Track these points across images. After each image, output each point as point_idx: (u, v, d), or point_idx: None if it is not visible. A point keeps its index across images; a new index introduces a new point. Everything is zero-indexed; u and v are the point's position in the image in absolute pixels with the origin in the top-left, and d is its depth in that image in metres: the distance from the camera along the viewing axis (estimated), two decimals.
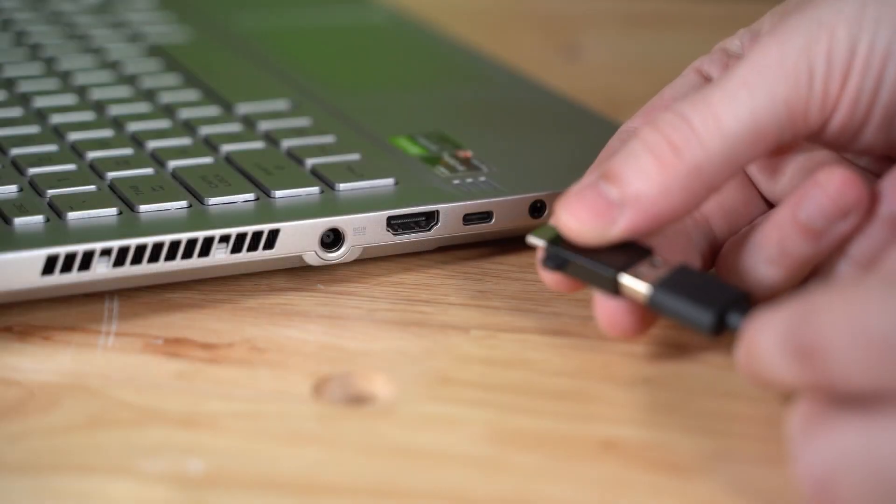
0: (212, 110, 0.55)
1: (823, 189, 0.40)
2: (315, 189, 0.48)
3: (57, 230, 0.45)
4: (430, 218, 0.48)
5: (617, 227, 0.40)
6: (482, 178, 0.50)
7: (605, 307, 0.41)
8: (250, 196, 0.47)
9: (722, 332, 0.38)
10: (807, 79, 0.40)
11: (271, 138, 0.52)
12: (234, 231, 0.45)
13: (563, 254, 0.41)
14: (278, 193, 0.48)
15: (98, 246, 0.44)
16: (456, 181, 0.50)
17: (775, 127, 0.39)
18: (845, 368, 0.33)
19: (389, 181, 0.49)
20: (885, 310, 0.32)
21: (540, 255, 0.41)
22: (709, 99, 0.39)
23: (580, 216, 0.40)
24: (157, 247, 0.44)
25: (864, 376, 0.32)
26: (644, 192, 0.39)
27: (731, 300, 0.38)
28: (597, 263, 0.40)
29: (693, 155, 0.39)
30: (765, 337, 0.34)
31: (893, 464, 0.32)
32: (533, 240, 0.41)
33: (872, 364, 0.32)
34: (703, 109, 0.39)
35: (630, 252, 0.40)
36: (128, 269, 0.44)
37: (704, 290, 0.39)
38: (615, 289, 0.40)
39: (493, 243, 0.50)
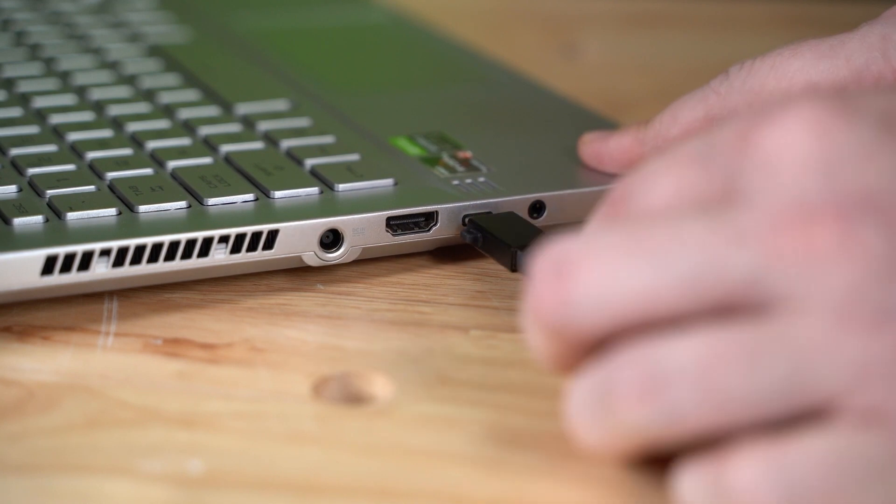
0: (211, 110, 0.55)
1: None
2: (314, 189, 0.48)
3: (56, 230, 0.45)
4: (429, 218, 0.48)
5: None
6: (482, 179, 0.50)
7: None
8: (250, 196, 0.47)
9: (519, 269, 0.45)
10: None
11: (271, 138, 0.52)
12: (233, 231, 0.45)
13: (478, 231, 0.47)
14: (278, 194, 0.48)
15: (97, 246, 0.44)
16: (455, 181, 0.50)
17: None
18: (595, 264, 0.34)
19: (389, 181, 0.49)
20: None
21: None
22: None
23: None
24: (157, 247, 0.44)
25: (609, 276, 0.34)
26: None
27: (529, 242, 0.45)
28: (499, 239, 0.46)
29: None
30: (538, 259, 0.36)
31: None
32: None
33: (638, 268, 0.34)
34: None
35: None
36: (127, 270, 0.44)
37: (521, 234, 0.46)
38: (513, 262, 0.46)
39: None
